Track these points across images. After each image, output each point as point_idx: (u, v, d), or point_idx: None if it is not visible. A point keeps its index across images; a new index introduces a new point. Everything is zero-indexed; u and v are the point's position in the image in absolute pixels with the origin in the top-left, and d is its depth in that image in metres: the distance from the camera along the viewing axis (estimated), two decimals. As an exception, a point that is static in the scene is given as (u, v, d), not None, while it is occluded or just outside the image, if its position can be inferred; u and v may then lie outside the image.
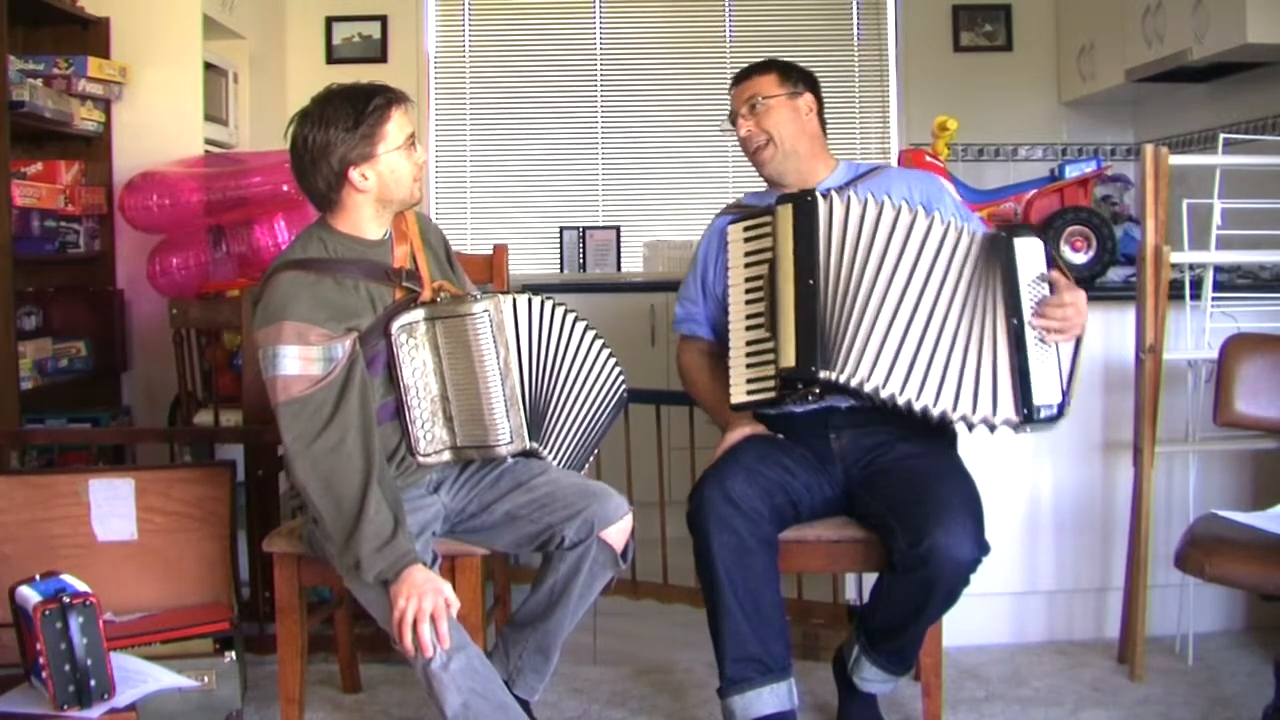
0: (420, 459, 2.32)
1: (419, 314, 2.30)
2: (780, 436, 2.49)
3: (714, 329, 2.63)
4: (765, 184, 2.65)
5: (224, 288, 3.67)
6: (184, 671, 2.47)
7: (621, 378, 2.57)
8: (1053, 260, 2.33)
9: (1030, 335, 2.27)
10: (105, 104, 3.98)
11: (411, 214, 2.42)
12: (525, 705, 2.39)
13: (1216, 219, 2.88)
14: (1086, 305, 2.30)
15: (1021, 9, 5.22)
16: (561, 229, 5.26)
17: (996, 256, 2.31)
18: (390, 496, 2.17)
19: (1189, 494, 2.98)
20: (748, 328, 2.41)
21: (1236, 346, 2.65)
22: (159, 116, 4.03)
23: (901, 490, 2.34)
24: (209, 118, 4.19)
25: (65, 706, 2.17)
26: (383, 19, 5.21)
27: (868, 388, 2.30)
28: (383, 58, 5.18)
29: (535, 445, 2.37)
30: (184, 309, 3.49)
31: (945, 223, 2.34)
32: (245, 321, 3.03)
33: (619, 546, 2.38)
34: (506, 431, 2.31)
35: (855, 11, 5.33)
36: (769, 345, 2.36)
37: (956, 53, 5.24)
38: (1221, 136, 3.22)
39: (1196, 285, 2.94)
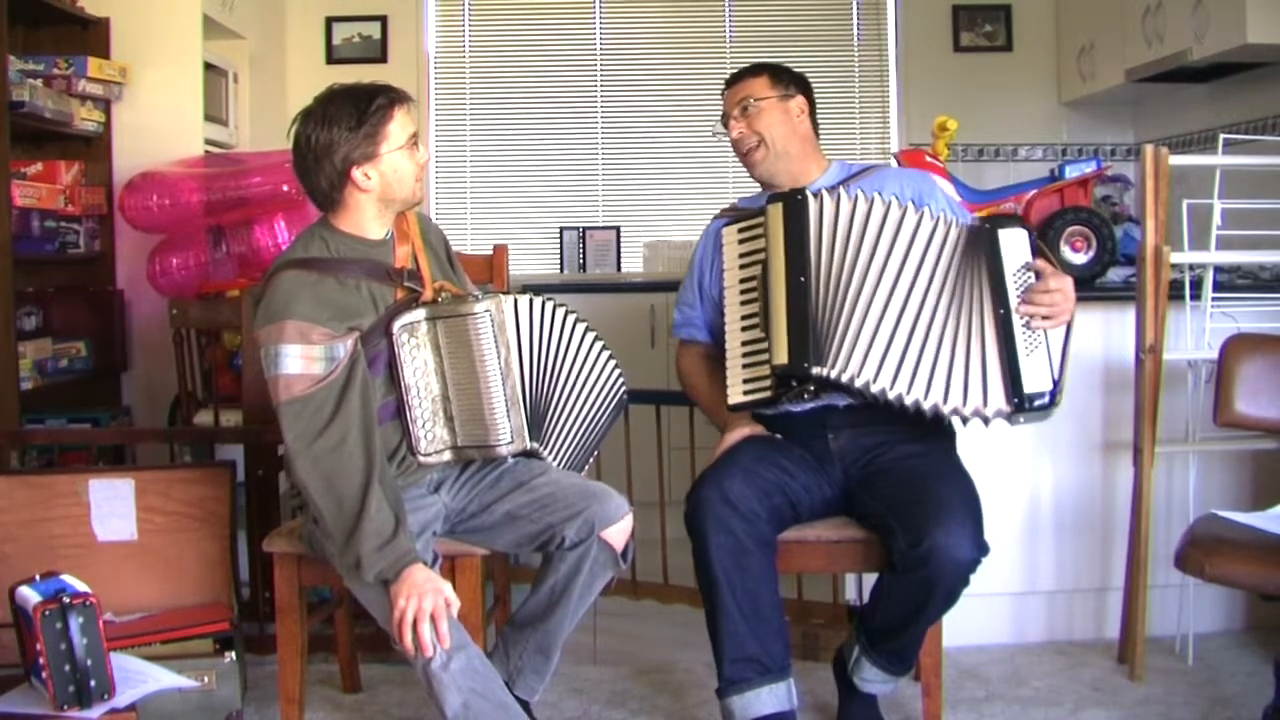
0: (421, 459, 2.32)
1: (420, 314, 2.30)
2: (778, 437, 2.49)
3: (712, 333, 2.64)
4: (759, 186, 2.65)
5: (224, 288, 3.67)
6: (184, 671, 2.47)
7: (621, 380, 2.58)
8: (1038, 249, 2.33)
9: (1018, 324, 2.27)
10: (105, 104, 3.97)
11: (412, 214, 2.42)
12: (525, 706, 2.39)
13: (1216, 219, 2.88)
14: (1073, 290, 2.30)
15: (1021, 9, 5.22)
16: (561, 229, 5.26)
17: (981, 248, 2.31)
18: (391, 496, 2.17)
19: (1189, 494, 2.98)
20: (743, 328, 2.42)
21: (1236, 347, 2.65)
22: (159, 116, 4.03)
23: (901, 491, 2.34)
24: (209, 118, 4.19)
25: (65, 707, 2.17)
26: (383, 19, 5.21)
27: (858, 383, 2.30)
28: (383, 58, 5.18)
29: (536, 445, 2.37)
30: (184, 309, 3.49)
31: (935, 217, 2.34)
32: (245, 321, 3.03)
33: (619, 547, 2.38)
34: (507, 431, 2.31)
35: (855, 11, 5.33)
36: (763, 345, 2.36)
37: (956, 53, 5.24)
38: (1221, 136, 3.22)
39: (1196, 285, 2.94)
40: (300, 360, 2.16)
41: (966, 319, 2.31)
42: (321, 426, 2.15)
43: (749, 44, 5.20)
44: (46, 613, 2.15)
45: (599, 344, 2.52)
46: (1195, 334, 2.93)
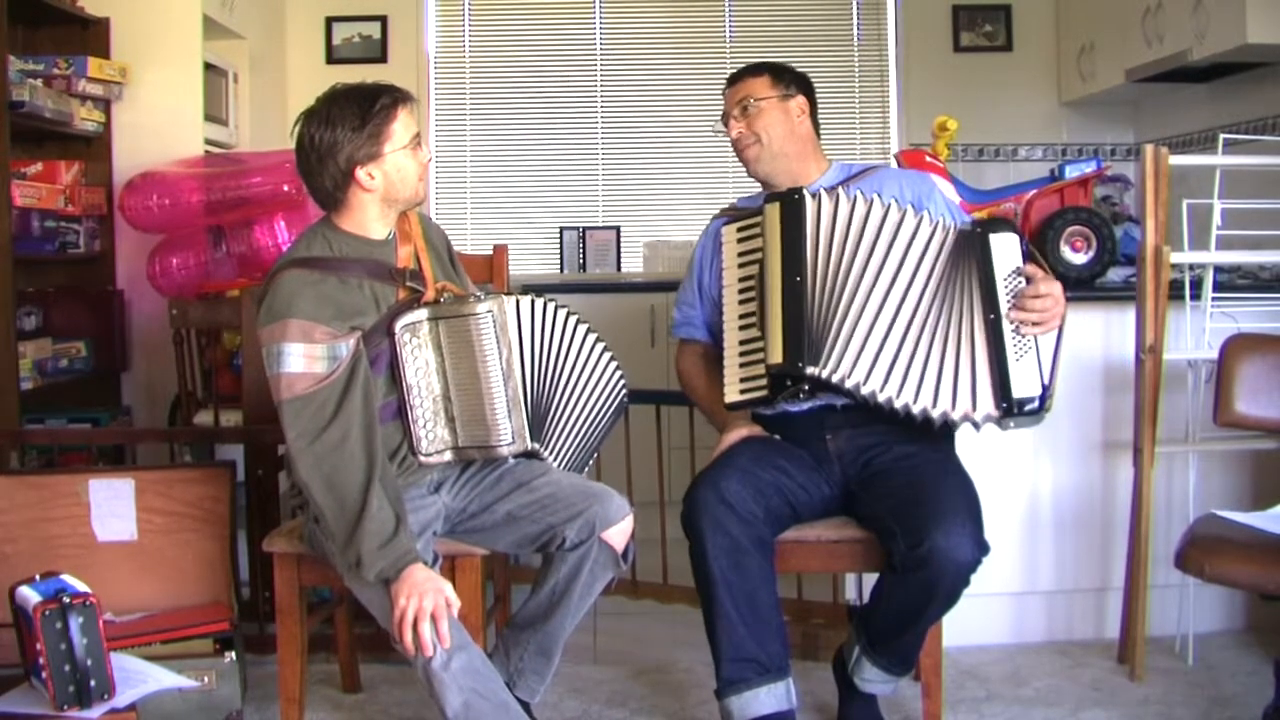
0: (422, 458, 2.32)
1: (422, 314, 2.30)
2: (777, 438, 2.49)
3: (711, 332, 2.64)
4: (759, 186, 2.65)
5: (224, 288, 3.67)
6: (184, 671, 2.47)
7: (623, 382, 2.58)
8: (1029, 253, 2.34)
9: (1008, 329, 2.28)
10: (105, 104, 3.98)
11: (414, 214, 2.43)
12: (526, 706, 2.39)
13: (1216, 219, 2.88)
14: (1063, 295, 2.31)
15: (1021, 9, 5.23)
16: (561, 229, 5.26)
17: (972, 252, 2.32)
18: (392, 495, 2.17)
19: (1189, 494, 2.98)
20: (741, 327, 2.42)
21: (1236, 347, 2.65)
22: (159, 116, 4.04)
23: (900, 491, 2.34)
24: (209, 118, 4.20)
25: (65, 707, 2.17)
26: (383, 19, 5.22)
27: (849, 384, 2.31)
28: (383, 58, 5.19)
29: (536, 446, 2.37)
30: (184, 309, 3.49)
31: (934, 221, 2.35)
32: (245, 321, 3.03)
33: (620, 547, 2.38)
34: (508, 432, 2.31)
35: (855, 11, 5.34)
36: (760, 344, 2.37)
37: (956, 53, 5.25)
38: (1221, 136, 3.22)
39: (1196, 285, 2.94)
40: (302, 359, 2.16)
41: (957, 323, 2.31)
42: (323, 425, 2.15)
43: (749, 44, 5.20)
44: (46, 613, 2.15)
45: (600, 345, 2.52)
46: (1195, 334, 2.93)
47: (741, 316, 2.43)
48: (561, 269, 5.24)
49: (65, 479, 2.79)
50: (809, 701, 2.72)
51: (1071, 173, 3.40)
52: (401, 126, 2.26)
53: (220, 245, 3.83)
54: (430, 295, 2.34)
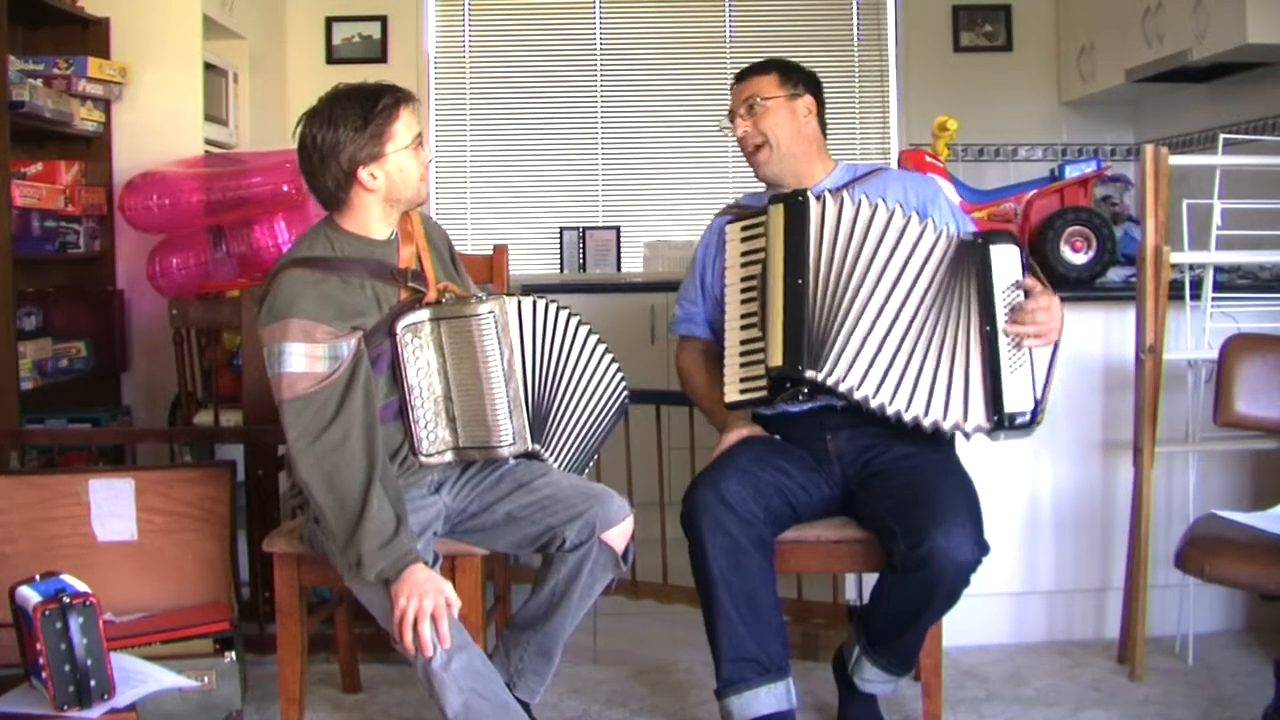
0: (422, 459, 2.32)
1: (424, 314, 2.30)
2: (777, 438, 2.49)
3: (713, 329, 2.64)
4: (764, 185, 2.65)
5: (224, 288, 3.67)
6: (184, 671, 2.47)
7: (623, 384, 2.57)
8: (1029, 266, 2.34)
9: (1003, 342, 2.28)
10: (105, 104, 3.98)
11: (416, 214, 2.43)
12: (526, 707, 2.39)
13: (1216, 219, 2.88)
14: (1062, 310, 2.31)
15: (1021, 9, 5.23)
16: (561, 229, 5.26)
17: (972, 262, 2.32)
18: (393, 495, 2.17)
19: (1189, 494, 2.98)
20: (742, 327, 2.42)
21: (1236, 347, 2.65)
22: (159, 116, 4.03)
23: (900, 492, 2.34)
24: (209, 118, 4.20)
25: (65, 707, 2.17)
26: (383, 19, 5.22)
27: (843, 387, 2.31)
28: (383, 58, 5.19)
29: (537, 447, 2.37)
30: (184, 309, 3.49)
31: (937, 229, 2.35)
32: (245, 321, 3.03)
33: (620, 548, 2.38)
34: (509, 433, 2.31)
35: (855, 11, 5.34)
36: (760, 344, 2.37)
37: (956, 53, 5.25)
38: (1221, 136, 3.22)
39: (1196, 285, 2.94)
40: (304, 359, 2.16)
41: (954, 333, 2.32)
42: (324, 425, 2.15)
43: (749, 44, 5.20)
44: (46, 613, 2.15)
45: (601, 347, 2.51)
46: (1195, 334, 2.93)
47: (743, 316, 2.42)
48: (561, 269, 5.24)
49: (65, 479, 2.79)
50: (809, 701, 2.73)
51: (1071, 173, 3.39)
52: (404, 126, 2.26)
53: (220, 245, 3.83)
54: (432, 296, 2.34)
